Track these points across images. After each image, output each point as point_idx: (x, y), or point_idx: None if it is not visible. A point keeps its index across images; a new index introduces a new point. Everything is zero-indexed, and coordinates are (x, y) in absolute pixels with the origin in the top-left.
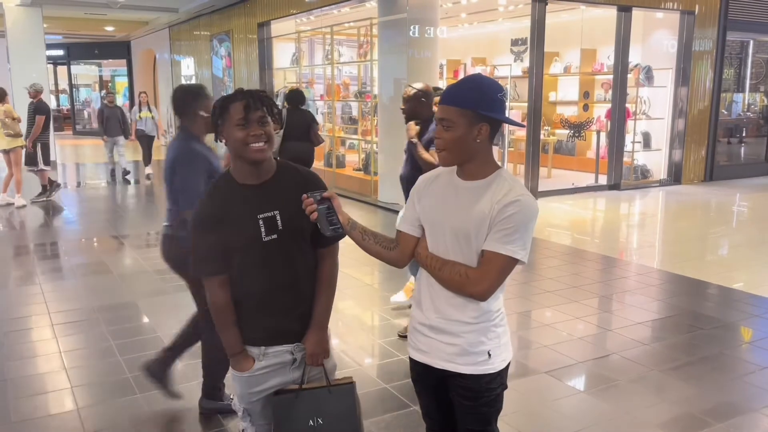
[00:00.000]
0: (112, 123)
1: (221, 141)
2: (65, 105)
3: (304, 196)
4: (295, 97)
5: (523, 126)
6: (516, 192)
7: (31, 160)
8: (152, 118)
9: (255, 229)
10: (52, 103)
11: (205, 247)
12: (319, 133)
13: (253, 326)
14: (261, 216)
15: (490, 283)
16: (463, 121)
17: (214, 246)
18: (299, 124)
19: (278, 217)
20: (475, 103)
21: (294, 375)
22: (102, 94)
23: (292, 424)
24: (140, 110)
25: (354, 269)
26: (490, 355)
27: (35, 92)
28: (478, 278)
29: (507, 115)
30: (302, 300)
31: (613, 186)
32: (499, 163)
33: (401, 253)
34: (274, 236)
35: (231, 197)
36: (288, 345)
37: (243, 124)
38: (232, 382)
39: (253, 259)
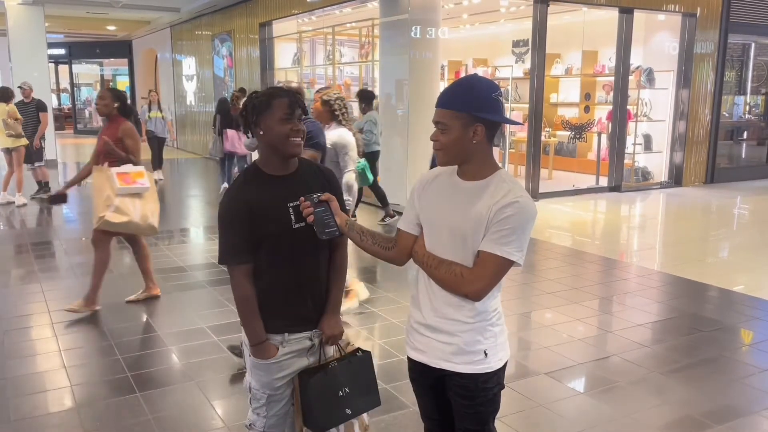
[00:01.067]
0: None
1: (253, 133)
2: (66, 104)
3: (302, 199)
4: None
5: (519, 124)
6: (515, 193)
7: (34, 157)
8: (162, 118)
9: (286, 216)
10: (53, 102)
11: (235, 235)
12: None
13: (277, 314)
14: (291, 204)
15: (485, 283)
16: (457, 123)
17: (244, 235)
18: None
19: None
20: (468, 106)
21: (311, 359)
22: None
23: (325, 399)
24: (150, 110)
25: (352, 269)
26: (486, 354)
27: (30, 90)
28: (472, 278)
29: (507, 116)
30: (321, 288)
31: (614, 188)
32: (500, 164)
33: (399, 251)
34: (303, 224)
35: (262, 187)
36: (307, 332)
37: (287, 119)
38: (253, 371)
39: (282, 246)
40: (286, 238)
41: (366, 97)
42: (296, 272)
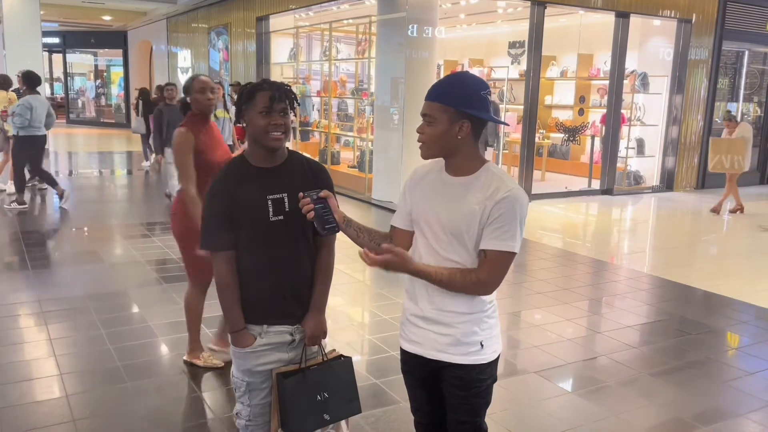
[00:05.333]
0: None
1: (243, 124)
2: (59, 93)
3: (301, 194)
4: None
5: (505, 124)
6: (506, 187)
7: None
8: (230, 119)
9: (263, 208)
10: (46, 91)
11: (216, 222)
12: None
13: (255, 305)
14: (270, 197)
15: (499, 280)
16: (444, 117)
17: (224, 222)
18: None
19: (286, 200)
20: (455, 101)
21: (291, 354)
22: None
23: (302, 402)
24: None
25: (345, 265)
26: (482, 345)
27: None
28: (487, 279)
29: (503, 117)
30: (302, 282)
31: (606, 191)
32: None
33: None
34: (281, 217)
35: (244, 177)
36: (288, 326)
37: (266, 113)
38: (234, 359)
39: (258, 237)
40: (262, 230)
41: (29, 79)
42: (272, 264)
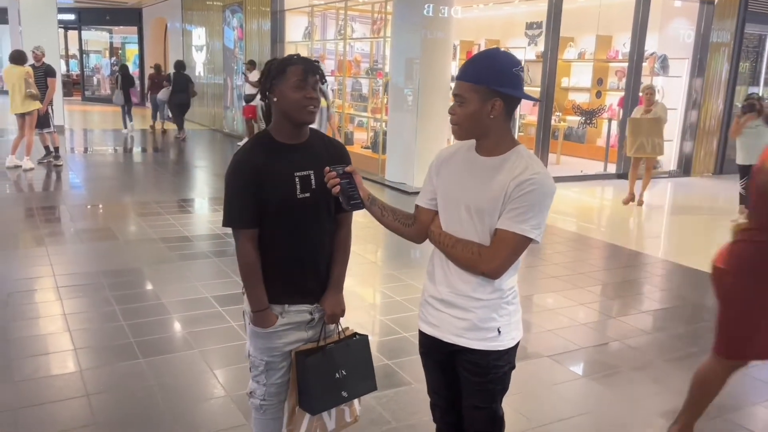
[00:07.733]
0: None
1: (267, 100)
2: (75, 70)
3: (327, 169)
4: (180, 64)
5: (538, 101)
6: (532, 169)
7: (44, 122)
8: (327, 107)
9: (291, 185)
10: (62, 68)
11: (240, 199)
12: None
13: (278, 284)
14: (298, 174)
15: (502, 261)
16: (475, 96)
17: (249, 199)
18: (182, 82)
19: (312, 177)
20: (487, 79)
21: (309, 333)
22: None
23: (321, 380)
24: None
25: (357, 246)
26: (500, 331)
27: (42, 54)
28: (489, 256)
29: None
30: (323, 261)
31: (622, 175)
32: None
33: (419, 228)
34: (307, 195)
35: (271, 153)
36: (308, 305)
37: (301, 87)
38: (252, 338)
39: (285, 215)
40: (289, 207)
41: None
42: (297, 243)
